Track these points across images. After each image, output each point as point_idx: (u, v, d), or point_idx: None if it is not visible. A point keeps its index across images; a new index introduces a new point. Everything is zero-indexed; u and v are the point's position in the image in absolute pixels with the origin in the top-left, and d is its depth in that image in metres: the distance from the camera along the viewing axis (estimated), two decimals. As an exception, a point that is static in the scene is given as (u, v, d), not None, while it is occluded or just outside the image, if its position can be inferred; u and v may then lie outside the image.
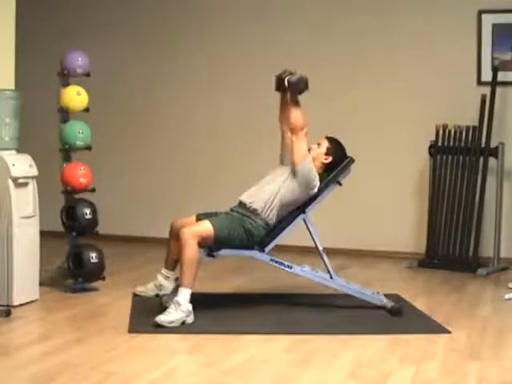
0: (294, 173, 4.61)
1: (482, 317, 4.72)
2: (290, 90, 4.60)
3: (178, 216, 4.85)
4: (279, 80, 4.66)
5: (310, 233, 4.73)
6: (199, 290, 4.50)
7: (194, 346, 4.00)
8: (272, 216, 4.61)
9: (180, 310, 4.28)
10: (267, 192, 4.63)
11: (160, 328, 4.21)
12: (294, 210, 4.71)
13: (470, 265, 6.13)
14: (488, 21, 6.32)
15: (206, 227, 4.44)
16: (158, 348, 3.94)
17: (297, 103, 4.61)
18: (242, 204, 4.68)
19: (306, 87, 4.62)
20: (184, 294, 4.31)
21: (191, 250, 4.32)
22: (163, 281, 4.90)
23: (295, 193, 4.63)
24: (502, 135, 6.32)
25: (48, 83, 5.65)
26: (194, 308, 4.33)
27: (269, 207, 4.60)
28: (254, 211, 4.60)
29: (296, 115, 4.59)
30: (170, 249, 4.83)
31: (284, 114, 4.79)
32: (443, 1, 6.51)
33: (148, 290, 4.95)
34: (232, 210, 4.71)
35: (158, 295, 4.87)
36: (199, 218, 4.65)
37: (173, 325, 4.24)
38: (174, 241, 4.71)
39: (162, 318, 4.25)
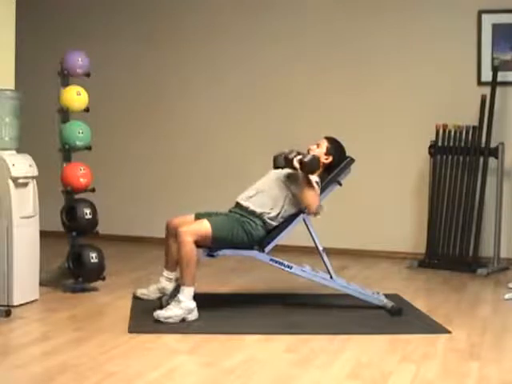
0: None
1: (481, 317, 4.72)
2: (304, 170, 4.55)
3: (178, 216, 4.84)
4: (287, 161, 4.61)
5: (310, 233, 4.73)
6: (199, 290, 4.49)
7: (194, 346, 4.00)
8: (271, 218, 4.61)
9: (179, 307, 4.31)
10: (266, 195, 4.63)
11: (160, 327, 4.22)
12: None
13: (470, 265, 6.12)
14: (488, 21, 6.32)
15: (204, 226, 4.44)
16: (158, 348, 3.94)
17: (310, 184, 4.57)
18: (239, 205, 4.68)
19: (318, 167, 4.62)
20: (185, 292, 4.33)
21: (187, 249, 4.33)
22: (166, 283, 4.82)
23: (298, 205, 4.65)
24: (502, 135, 6.32)
25: (48, 83, 5.64)
26: (194, 308, 4.35)
27: (268, 210, 4.60)
28: (252, 213, 4.60)
29: (311, 197, 4.56)
30: (169, 249, 4.78)
31: None
32: (443, 1, 6.51)
33: (150, 292, 4.89)
34: (230, 211, 4.71)
35: (160, 298, 4.82)
36: (198, 217, 4.65)
37: (170, 321, 4.26)
38: (172, 240, 4.66)
39: (158, 313, 4.29)
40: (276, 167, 4.76)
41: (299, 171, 4.57)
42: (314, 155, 4.60)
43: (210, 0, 7.13)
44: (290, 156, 4.60)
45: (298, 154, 4.60)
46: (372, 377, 3.56)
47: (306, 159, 4.53)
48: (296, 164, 4.55)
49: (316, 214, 4.63)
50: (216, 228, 4.45)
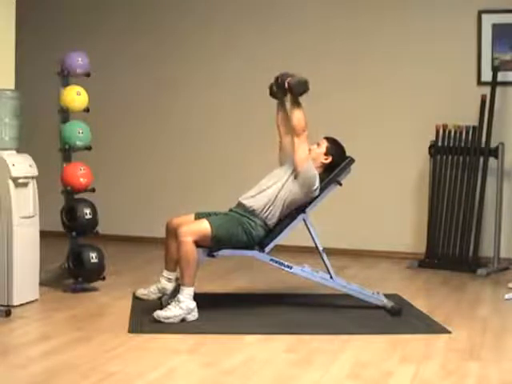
0: (295, 176, 4.61)
1: (481, 317, 4.72)
2: (291, 92, 4.61)
3: (178, 216, 4.84)
4: (277, 83, 4.68)
5: (310, 233, 4.73)
6: (199, 290, 4.50)
7: (194, 346, 4.00)
8: (272, 217, 4.61)
9: (179, 307, 4.32)
10: (268, 194, 4.63)
11: (160, 327, 4.22)
12: (294, 210, 4.71)
13: (470, 265, 6.12)
14: (488, 21, 6.32)
15: (203, 226, 4.44)
16: (158, 348, 3.94)
17: (298, 105, 4.62)
18: (241, 205, 4.68)
19: (306, 89, 4.63)
20: (185, 292, 4.34)
21: (187, 248, 4.33)
22: (166, 283, 4.81)
23: (296, 195, 4.63)
24: (502, 135, 6.32)
25: (48, 83, 5.65)
26: (194, 308, 4.36)
27: (269, 209, 4.60)
28: (253, 212, 4.60)
29: (298, 117, 4.60)
30: (169, 249, 4.77)
31: (281, 117, 4.84)
32: (443, 1, 6.52)
33: (150, 293, 4.88)
34: (231, 210, 4.71)
35: (160, 298, 4.80)
36: (198, 217, 4.65)
37: (169, 321, 4.27)
38: (172, 240, 4.65)
39: (158, 313, 4.31)
40: (273, 95, 4.80)
41: (288, 93, 4.62)
42: (301, 76, 4.61)
43: (210, 1, 7.14)
44: (283, 78, 4.65)
45: (290, 75, 4.63)
46: (372, 377, 3.56)
47: (292, 81, 4.57)
48: (286, 85, 4.60)
49: (298, 134, 4.59)
50: (215, 228, 4.45)
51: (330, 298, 4.96)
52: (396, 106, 6.63)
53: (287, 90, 4.63)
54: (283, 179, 4.65)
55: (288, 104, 4.79)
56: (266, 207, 4.60)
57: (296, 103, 4.62)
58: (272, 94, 4.84)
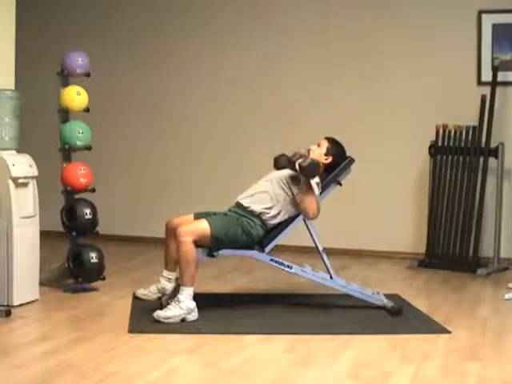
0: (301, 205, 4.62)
1: (481, 317, 4.72)
2: (303, 174, 4.55)
3: (178, 216, 4.84)
4: (290, 163, 4.63)
5: (309, 233, 4.73)
6: (199, 290, 4.50)
7: (194, 346, 4.00)
8: (271, 219, 4.61)
9: (179, 307, 4.32)
10: (268, 198, 4.63)
11: (160, 327, 4.22)
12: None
13: (470, 265, 6.12)
14: (488, 21, 6.32)
15: (202, 226, 4.44)
16: (158, 348, 3.94)
17: (310, 189, 4.57)
18: (239, 205, 4.68)
19: (317, 172, 4.59)
20: (185, 292, 4.34)
21: (186, 248, 4.33)
22: (166, 283, 4.81)
23: (298, 206, 4.65)
24: (502, 135, 6.32)
25: (48, 83, 5.65)
26: (194, 308, 4.36)
27: (268, 211, 4.60)
28: (251, 212, 4.61)
29: (309, 202, 4.56)
30: (168, 249, 4.77)
31: None
32: (443, 1, 6.51)
33: (151, 293, 4.88)
34: (230, 210, 4.71)
35: (160, 298, 4.80)
36: (197, 217, 4.65)
37: (169, 321, 4.27)
38: (172, 240, 4.65)
39: (158, 313, 4.31)
40: (277, 168, 4.77)
41: (300, 175, 4.58)
42: (313, 160, 4.57)
43: (210, 1, 7.14)
44: (293, 158, 4.61)
45: (301, 156, 4.60)
46: (372, 377, 3.56)
47: (304, 164, 4.51)
48: (297, 167, 4.56)
49: (312, 219, 4.63)
50: (215, 228, 4.45)
51: (330, 298, 4.96)
52: (396, 106, 6.63)
53: (298, 172, 4.56)
54: (284, 182, 4.66)
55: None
56: (265, 208, 4.60)
57: (308, 186, 4.56)
58: (277, 167, 4.79)
